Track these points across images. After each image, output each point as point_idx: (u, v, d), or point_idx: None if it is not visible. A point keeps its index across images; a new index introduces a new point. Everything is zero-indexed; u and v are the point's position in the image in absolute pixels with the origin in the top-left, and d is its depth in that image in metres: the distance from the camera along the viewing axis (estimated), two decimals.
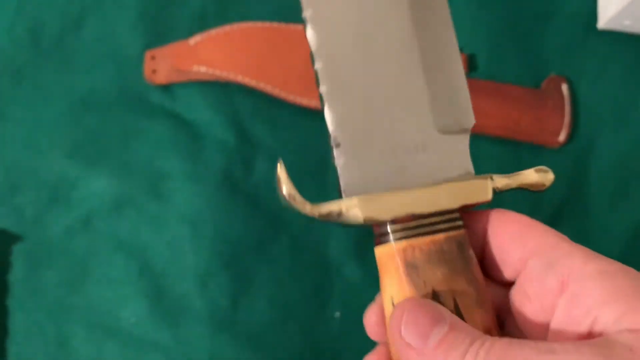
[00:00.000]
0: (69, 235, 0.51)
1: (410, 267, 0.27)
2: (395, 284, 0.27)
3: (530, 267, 0.27)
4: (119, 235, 0.51)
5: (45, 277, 0.51)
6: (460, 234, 0.28)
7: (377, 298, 0.29)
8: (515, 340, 0.23)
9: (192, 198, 0.52)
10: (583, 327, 0.24)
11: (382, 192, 0.27)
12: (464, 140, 0.29)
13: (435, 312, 0.25)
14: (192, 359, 0.49)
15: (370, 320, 0.29)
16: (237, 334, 0.50)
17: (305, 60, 0.52)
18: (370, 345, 0.31)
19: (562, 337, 0.25)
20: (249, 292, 0.50)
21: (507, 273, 0.28)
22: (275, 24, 0.53)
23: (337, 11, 0.29)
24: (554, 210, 0.52)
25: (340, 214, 0.27)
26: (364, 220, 0.27)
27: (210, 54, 0.53)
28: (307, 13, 0.29)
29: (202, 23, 0.54)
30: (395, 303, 0.27)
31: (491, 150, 0.53)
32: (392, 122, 0.29)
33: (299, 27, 0.53)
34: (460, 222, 0.28)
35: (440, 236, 0.27)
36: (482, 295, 0.27)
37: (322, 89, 0.28)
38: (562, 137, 0.53)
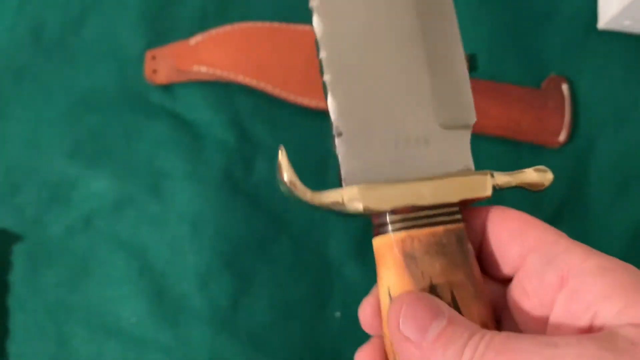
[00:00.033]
0: (69, 235, 0.51)
1: (409, 258, 0.27)
2: (392, 275, 0.27)
3: (529, 263, 0.27)
4: (120, 235, 0.51)
5: (45, 277, 0.51)
6: (459, 227, 0.28)
7: (373, 290, 0.29)
8: (515, 334, 0.23)
9: (192, 198, 0.52)
10: (583, 322, 0.24)
11: (382, 183, 0.27)
12: (466, 136, 0.29)
13: (433, 306, 0.25)
14: (192, 358, 0.49)
15: (365, 311, 0.29)
16: (237, 334, 0.50)
17: (305, 60, 0.53)
18: None
19: (562, 332, 0.25)
20: (250, 291, 0.50)
21: (506, 269, 0.28)
22: (275, 24, 0.53)
23: (344, 1, 0.29)
24: (554, 210, 0.52)
25: (340, 202, 0.27)
26: (364, 209, 0.27)
27: (211, 54, 0.53)
28: (313, 3, 0.29)
29: (203, 23, 0.54)
30: (392, 294, 0.27)
31: (491, 150, 0.53)
32: (395, 113, 0.29)
33: (300, 27, 0.53)
34: (459, 216, 0.28)
35: (440, 228, 0.27)
36: (480, 289, 0.27)
37: (326, 77, 0.29)
38: (562, 137, 0.53)
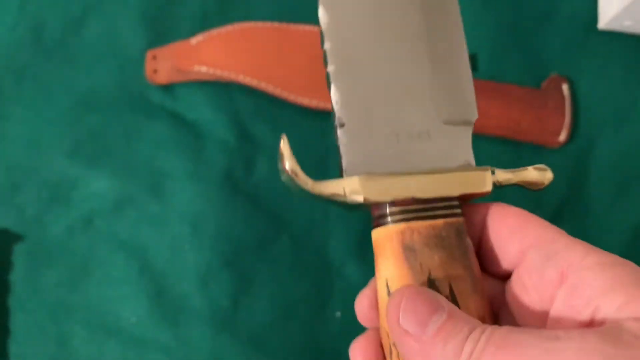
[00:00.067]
0: (69, 234, 0.51)
1: (408, 250, 0.27)
2: (391, 267, 0.27)
3: (529, 259, 0.27)
4: (120, 234, 0.51)
5: (46, 277, 0.51)
6: (458, 221, 0.28)
7: (371, 282, 0.29)
8: (516, 328, 0.23)
9: (193, 198, 0.52)
10: (584, 316, 0.24)
11: (383, 174, 0.27)
12: (467, 132, 0.30)
13: (433, 300, 0.25)
14: (192, 358, 0.49)
15: (362, 304, 0.29)
16: (237, 334, 0.50)
17: (306, 60, 0.53)
18: None
19: (563, 326, 0.25)
20: (250, 291, 0.50)
21: (505, 265, 0.28)
22: (276, 24, 0.53)
23: None
24: (554, 209, 0.52)
25: (340, 192, 0.27)
26: (364, 199, 0.27)
27: (212, 54, 0.53)
28: None
29: (204, 23, 0.54)
30: (390, 286, 0.27)
31: (491, 150, 0.53)
32: (397, 107, 0.29)
33: (301, 27, 0.53)
34: (459, 211, 0.28)
35: (440, 221, 0.27)
36: (478, 284, 0.27)
37: (330, 68, 0.29)
38: (562, 137, 0.53)
